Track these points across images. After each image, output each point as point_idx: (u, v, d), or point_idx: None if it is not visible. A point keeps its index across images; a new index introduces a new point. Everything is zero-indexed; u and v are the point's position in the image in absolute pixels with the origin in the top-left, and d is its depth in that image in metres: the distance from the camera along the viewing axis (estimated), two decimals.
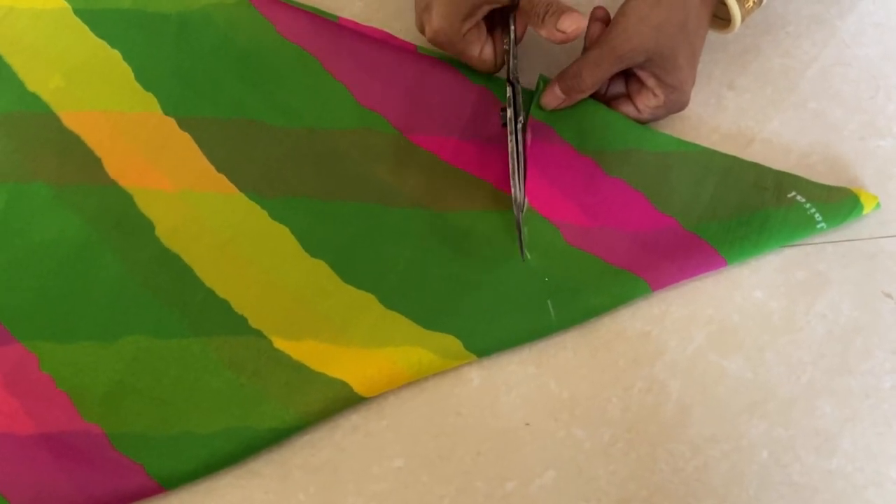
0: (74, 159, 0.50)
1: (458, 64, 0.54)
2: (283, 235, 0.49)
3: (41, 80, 0.52)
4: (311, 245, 0.48)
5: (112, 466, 0.41)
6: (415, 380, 0.45)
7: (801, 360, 0.47)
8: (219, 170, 0.51)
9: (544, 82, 0.52)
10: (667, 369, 0.46)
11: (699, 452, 0.44)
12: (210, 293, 0.47)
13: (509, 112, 0.48)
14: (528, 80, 0.53)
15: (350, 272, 0.48)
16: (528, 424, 0.44)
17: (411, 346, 0.45)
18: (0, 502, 0.40)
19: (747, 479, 0.44)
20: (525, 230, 0.48)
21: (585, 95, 0.50)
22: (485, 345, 0.46)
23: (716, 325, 0.47)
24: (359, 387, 0.44)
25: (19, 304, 0.45)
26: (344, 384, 0.44)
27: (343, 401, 0.44)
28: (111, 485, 0.41)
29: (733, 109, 0.54)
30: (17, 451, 0.42)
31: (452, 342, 0.45)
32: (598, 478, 0.43)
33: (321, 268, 0.48)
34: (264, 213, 0.49)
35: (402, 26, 0.56)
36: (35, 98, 0.52)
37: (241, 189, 0.50)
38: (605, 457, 0.44)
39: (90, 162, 0.50)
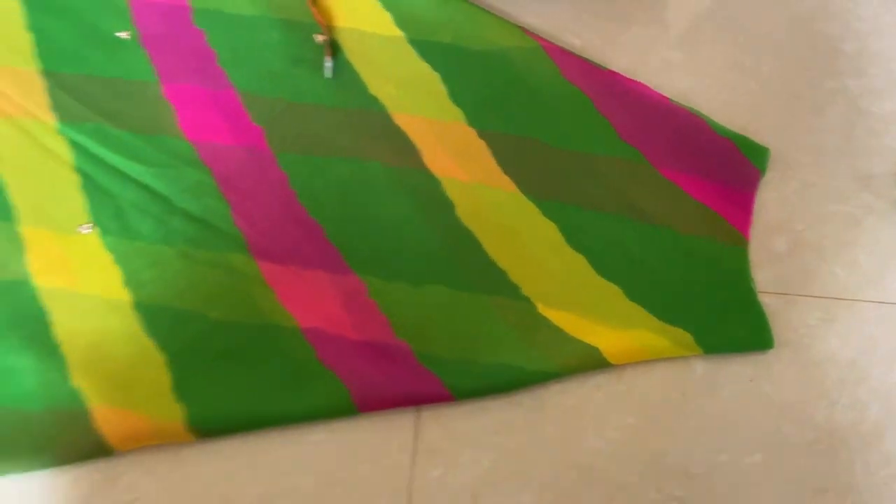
0: (401, 149, 0.65)
1: (705, 116, 0.66)
2: (551, 230, 0.61)
3: (380, 87, 0.69)
4: (574, 241, 0.61)
5: (416, 375, 0.55)
6: (651, 358, 0.56)
7: None
8: (505, 172, 0.64)
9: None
10: (869, 393, 0.54)
11: (892, 463, 0.51)
12: (493, 263, 0.60)
13: None
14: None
15: (604, 267, 0.59)
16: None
17: (650, 332, 0.56)
18: (339, 386, 0.54)
19: None
20: None
21: None
22: (715, 343, 0.56)
23: None
24: (608, 354, 0.55)
25: (357, 247, 0.61)
26: (596, 349, 0.55)
27: (594, 362, 0.55)
28: (415, 387, 0.54)
29: None
30: (348, 349, 0.56)
31: (685, 336, 0.56)
32: (801, 467, 0.52)
33: (580, 260, 0.60)
34: (538, 210, 0.62)
35: (659, 82, 0.69)
36: (374, 99, 0.68)
37: (521, 189, 0.63)
38: (807, 452, 0.52)
39: (412, 152, 0.65)
